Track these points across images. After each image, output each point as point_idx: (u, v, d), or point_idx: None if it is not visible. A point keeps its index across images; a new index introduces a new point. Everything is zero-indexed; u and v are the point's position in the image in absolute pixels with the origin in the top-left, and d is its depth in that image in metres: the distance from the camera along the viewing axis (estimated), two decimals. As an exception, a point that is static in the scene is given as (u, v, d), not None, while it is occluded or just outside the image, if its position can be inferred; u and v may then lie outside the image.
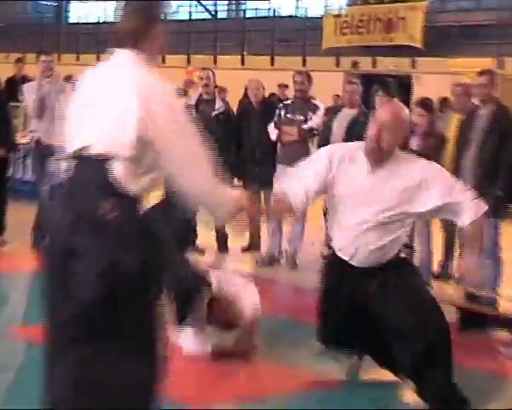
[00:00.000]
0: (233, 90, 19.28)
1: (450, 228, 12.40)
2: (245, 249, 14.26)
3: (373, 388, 8.06)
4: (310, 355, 8.89)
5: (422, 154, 11.58)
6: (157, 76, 5.49)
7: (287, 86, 18.88)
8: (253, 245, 14.22)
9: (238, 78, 22.87)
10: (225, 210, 5.87)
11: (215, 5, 42.94)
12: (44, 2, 51.01)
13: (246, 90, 16.30)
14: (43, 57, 14.31)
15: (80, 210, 4.94)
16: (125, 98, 5.22)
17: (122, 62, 5.56)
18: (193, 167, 5.35)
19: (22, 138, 16.06)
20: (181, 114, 5.38)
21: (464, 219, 7.42)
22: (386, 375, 7.96)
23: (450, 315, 9.85)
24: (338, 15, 31.82)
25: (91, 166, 5.08)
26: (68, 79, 16.07)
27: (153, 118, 5.11)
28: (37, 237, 13.30)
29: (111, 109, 5.24)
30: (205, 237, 14.27)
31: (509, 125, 10.98)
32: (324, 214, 13.26)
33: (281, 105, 13.92)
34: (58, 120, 13.79)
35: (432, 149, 11.63)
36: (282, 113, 13.46)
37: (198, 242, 14.14)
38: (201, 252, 13.98)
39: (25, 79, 16.29)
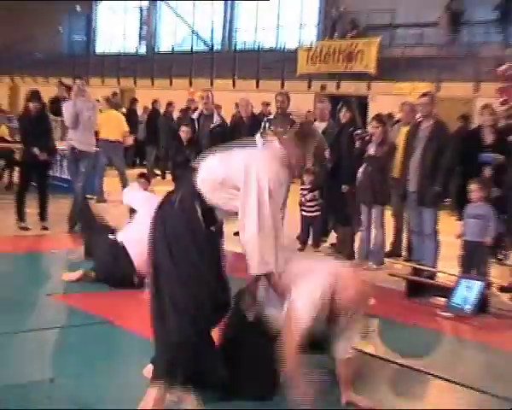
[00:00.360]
0: (226, 107, 19.26)
1: (399, 215, 12.50)
2: (237, 233, 14.22)
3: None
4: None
5: (378, 157, 11.72)
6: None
7: (269, 104, 18.89)
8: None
9: (230, 97, 22.86)
10: (253, 266, 5.88)
11: (212, 39, 42.82)
12: (76, 37, 50.75)
13: (237, 106, 16.31)
14: (77, 81, 14.38)
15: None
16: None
17: None
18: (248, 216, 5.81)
19: (60, 145, 16.06)
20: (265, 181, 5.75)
21: None
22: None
23: (400, 285, 10.01)
24: (309, 48, 31.80)
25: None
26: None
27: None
28: (72, 224, 13.38)
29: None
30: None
31: (445, 135, 11.24)
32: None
33: (265, 119, 13.96)
34: (89, 131, 13.92)
35: (385, 154, 11.75)
36: (267, 125, 13.47)
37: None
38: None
39: (64, 98, 16.26)
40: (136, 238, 9.22)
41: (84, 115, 13.86)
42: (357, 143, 12.28)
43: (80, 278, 9.86)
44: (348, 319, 6.07)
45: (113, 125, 18.38)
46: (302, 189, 13.33)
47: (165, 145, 23.08)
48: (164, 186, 16.47)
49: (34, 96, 13.99)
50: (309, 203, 13.28)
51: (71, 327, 8.31)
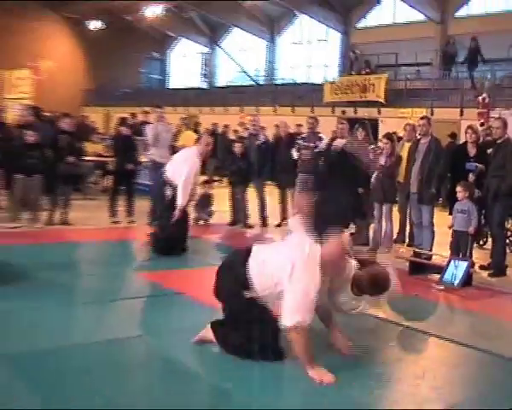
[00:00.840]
0: (269, 129, 19.23)
1: (404, 211, 12.48)
2: (278, 225, 14.27)
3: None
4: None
5: (387, 167, 11.71)
6: None
7: (301, 125, 18.85)
8: (283, 222, 14.22)
9: (272, 120, 22.84)
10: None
11: (257, 76, 42.90)
12: (154, 76, 51.01)
13: (277, 127, 16.30)
14: (157, 109, 14.46)
15: None
16: None
17: None
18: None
19: (143, 158, 16.11)
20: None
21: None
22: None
23: (404, 265, 9.97)
24: (333, 82, 31.74)
25: None
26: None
27: None
28: (151, 220, 13.45)
29: None
30: (253, 216, 14.34)
31: (439, 149, 11.33)
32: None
33: (299, 137, 13.95)
34: (165, 148, 13.97)
35: (393, 164, 11.75)
36: (301, 142, 13.49)
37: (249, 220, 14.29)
38: (251, 227, 14.08)
39: (147, 122, 16.30)
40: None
41: (163, 136, 13.97)
42: (371, 155, 12.27)
43: None
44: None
45: (192, 141, 18.65)
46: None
47: (222, 158, 23.15)
48: (221, 189, 16.60)
49: (123, 121, 14.16)
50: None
51: (152, 297, 8.38)
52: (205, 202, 14.63)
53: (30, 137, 12.56)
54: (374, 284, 5.93)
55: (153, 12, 38.73)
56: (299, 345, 5.48)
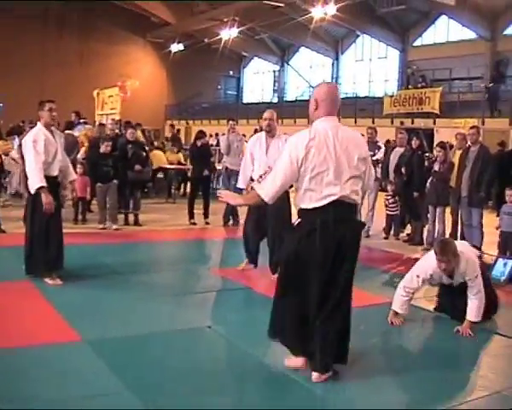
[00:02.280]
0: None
1: (455, 213, 12.25)
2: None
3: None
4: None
5: (441, 172, 11.56)
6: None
7: (363, 135, 18.70)
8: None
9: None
10: None
11: (323, 91, 42.74)
12: (229, 92, 51.33)
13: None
14: (230, 122, 14.47)
15: None
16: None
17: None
18: None
19: (218, 165, 16.19)
20: None
21: None
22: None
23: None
24: (392, 96, 31.43)
25: None
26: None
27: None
28: (226, 220, 13.47)
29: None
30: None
31: (487, 156, 11.14)
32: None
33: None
34: (237, 156, 13.98)
35: (446, 170, 11.56)
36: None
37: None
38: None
39: (217, 134, 16.42)
40: None
41: (234, 145, 13.97)
42: (427, 163, 12.17)
43: None
44: None
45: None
46: (386, 195, 13.19)
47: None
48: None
49: (201, 134, 14.25)
50: (391, 205, 13.11)
51: (223, 291, 8.40)
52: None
53: (104, 147, 12.82)
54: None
55: (228, 34, 38.91)
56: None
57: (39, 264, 8.03)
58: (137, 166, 13.33)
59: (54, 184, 8.01)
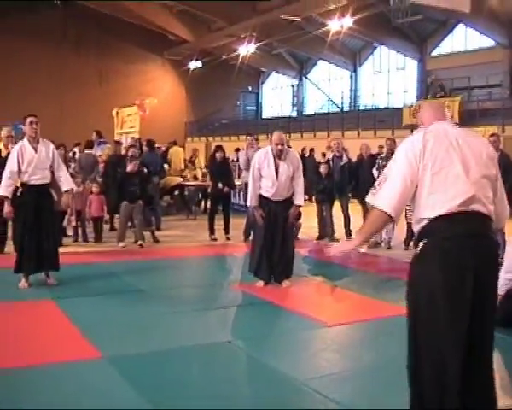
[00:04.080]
0: (354, 151, 19.06)
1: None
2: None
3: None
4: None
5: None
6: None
7: (383, 147, 18.64)
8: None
9: (356, 143, 22.68)
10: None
11: (342, 104, 42.80)
12: (248, 107, 51.45)
13: (360, 150, 16.14)
14: (249, 137, 14.54)
15: None
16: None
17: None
18: None
19: (237, 181, 16.23)
20: None
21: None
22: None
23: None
24: (411, 106, 31.29)
25: None
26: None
27: None
28: (246, 235, 13.47)
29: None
30: (339, 231, 14.20)
31: (508, 163, 10.97)
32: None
33: (379, 157, 13.78)
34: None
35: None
36: (380, 162, 13.32)
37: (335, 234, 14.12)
38: (337, 240, 13.92)
39: (238, 149, 16.46)
40: None
41: (253, 160, 14.02)
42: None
43: None
44: None
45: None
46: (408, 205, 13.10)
47: (310, 178, 23.12)
48: (309, 207, 16.54)
49: (219, 148, 14.27)
50: (410, 213, 13.04)
51: (244, 305, 8.39)
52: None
53: (132, 166, 12.95)
54: None
55: (246, 50, 39.08)
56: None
57: (16, 263, 8.77)
58: None
59: (35, 191, 8.69)
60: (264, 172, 9.08)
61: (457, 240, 3.69)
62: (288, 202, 9.34)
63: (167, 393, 5.09)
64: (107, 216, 14.66)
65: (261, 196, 9.24)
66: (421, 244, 3.82)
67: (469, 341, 3.69)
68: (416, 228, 3.94)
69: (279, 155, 9.04)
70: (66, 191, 9.04)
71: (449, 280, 3.67)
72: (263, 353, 6.14)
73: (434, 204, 3.77)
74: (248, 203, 9.59)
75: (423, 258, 3.81)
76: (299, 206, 9.49)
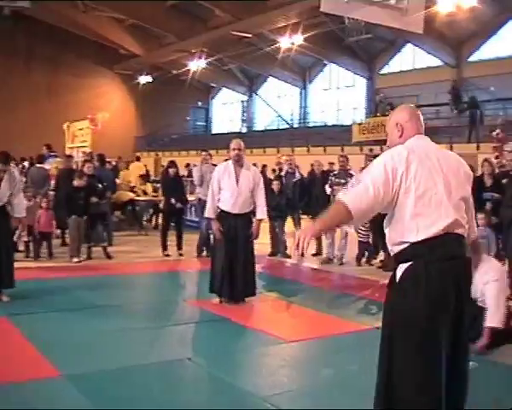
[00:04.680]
0: (303, 167, 19.17)
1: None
2: (314, 254, 14.20)
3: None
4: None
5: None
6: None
7: (333, 164, 18.81)
8: (318, 252, 14.22)
9: (306, 160, 22.84)
10: None
11: (292, 120, 43.05)
12: (198, 123, 51.49)
13: (312, 166, 16.22)
14: (203, 153, 14.51)
15: None
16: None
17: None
18: None
19: (190, 196, 16.20)
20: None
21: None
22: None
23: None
24: (360, 123, 31.66)
25: None
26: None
27: None
28: (199, 251, 13.45)
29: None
30: (290, 247, 14.24)
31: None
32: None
33: (332, 174, 13.84)
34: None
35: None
36: (333, 178, 13.41)
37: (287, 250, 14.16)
38: (289, 256, 14.01)
39: (188, 164, 16.45)
40: None
41: (208, 176, 13.93)
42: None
43: None
44: None
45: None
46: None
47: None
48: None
49: (172, 164, 14.23)
50: (363, 232, 13.15)
51: (201, 322, 8.34)
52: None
53: (79, 181, 12.87)
54: None
55: (197, 66, 39.12)
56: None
57: None
58: (93, 199, 13.18)
59: None
60: (225, 184, 8.97)
61: (439, 264, 3.73)
62: (248, 217, 9.23)
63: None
64: (58, 231, 14.48)
65: (221, 211, 9.08)
66: (402, 267, 3.82)
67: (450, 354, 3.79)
68: (396, 250, 3.90)
69: (237, 160, 9.01)
70: (15, 218, 9.01)
71: (432, 303, 3.71)
72: (223, 370, 6.13)
73: (418, 228, 3.76)
74: (206, 214, 9.42)
75: (405, 282, 3.80)
76: (261, 220, 9.35)
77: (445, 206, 3.79)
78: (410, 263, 3.78)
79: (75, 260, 12.53)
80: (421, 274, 3.72)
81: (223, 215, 9.06)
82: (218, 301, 9.09)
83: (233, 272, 8.97)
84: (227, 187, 8.97)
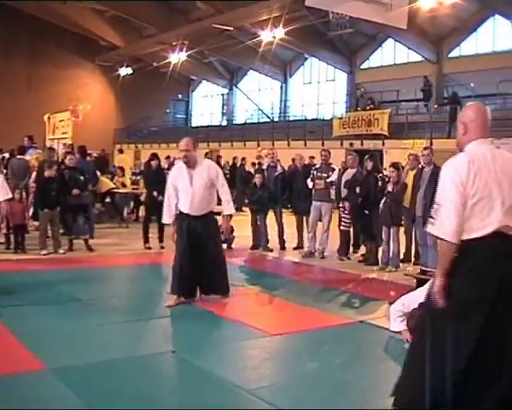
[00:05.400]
0: (284, 161, 19.17)
1: (409, 233, 12.46)
2: (295, 248, 14.24)
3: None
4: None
5: (394, 193, 11.68)
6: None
7: (314, 157, 18.86)
8: (299, 246, 14.25)
9: (286, 154, 22.88)
10: None
11: (272, 114, 43.06)
12: (178, 115, 51.45)
13: (293, 160, 16.24)
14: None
15: None
16: None
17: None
18: None
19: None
20: None
21: None
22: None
23: (412, 282, 9.77)
24: (341, 118, 31.75)
25: None
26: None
27: None
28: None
29: None
30: (272, 241, 14.28)
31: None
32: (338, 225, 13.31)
33: (313, 168, 13.85)
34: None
35: (399, 190, 11.70)
36: (315, 172, 13.42)
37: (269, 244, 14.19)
38: (271, 250, 14.04)
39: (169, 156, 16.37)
40: None
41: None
42: (380, 183, 12.27)
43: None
44: None
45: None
46: (343, 211, 13.24)
47: (241, 188, 23.18)
48: (240, 216, 16.61)
49: (154, 156, 14.19)
50: (346, 221, 13.19)
51: (184, 315, 8.26)
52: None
53: (49, 171, 12.81)
54: None
55: (177, 58, 38.99)
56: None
57: None
58: (75, 191, 13.14)
59: None
60: (180, 185, 8.57)
61: (487, 259, 4.26)
62: (210, 217, 8.80)
63: (114, 404, 5.06)
64: (36, 223, 14.34)
65: (181, 213, 8.62)
66: (456, 258, 4.32)
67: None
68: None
69: (187, 163, 8.48)
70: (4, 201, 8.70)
71: (480, 291, 4.24)
72: (208, 363, 6.12)
73: (471, 229, 4.29)
74: (162, 220, 9.15)
75: (459, 271, 4.31)
76: (230, 216, 9.05)
77: (497, 212, 4.27)
78: (462, 255, 4.30)
79: (43, 252, 12.50)
80: (473, 266, 4.29)
81: (183, 217, 8.64)
82: (174, 302, 8.62)
83: (199, 273, 8.68)
84: (182, 188, 8.55)
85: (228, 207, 8.85)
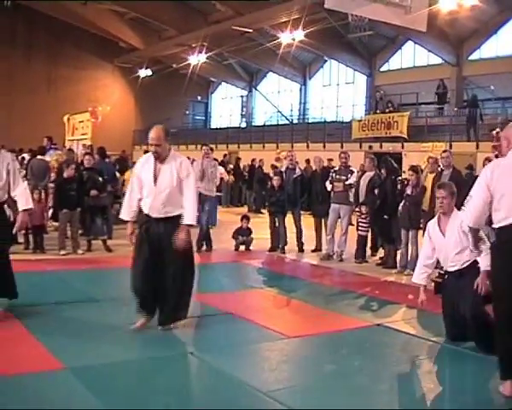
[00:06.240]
0: (303, 163, 19.19)
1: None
2: (313, 250, 14.25)
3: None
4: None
5: (413, 196, 11.65)
6: None
7: (332, 160, 18.83)
8: (318, 248, 14.25)
9: (305, 156, 22.90)
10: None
11: (291, 116, 43.04)
12: (197, 117, 51.53)
13: (307, 161, 16.25)
14: (204, 147, 14.48)
15: None
16: None
17: None
18: None
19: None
20: None
21: None
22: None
23: (430, 285, 9.69)
24: (360, 120, 31.70)
25: None
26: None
27: None
28: (199, 246, 13.45)
29: None
30: (290, 243, 14.29)
31: (460, 179, 11.14)
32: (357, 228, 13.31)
33: (332, 170, 13.86)
34: (212, 182, 14.05)
35: (418, 193, 11.67)
36: (333, 175, 13.43)
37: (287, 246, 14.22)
38: (284, 253, 14.07)
39: (190, 158, 16.41)
40: None
41: (209, 171, 13.99)
42: (399, 186, 12.27)
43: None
44: None
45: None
46: (359, 215, 13.34)
47: (259, 190, 23.20)
48: (258, 218, 16.59)
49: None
50: (363, 225, 13.22)
51: (203, 316, 8.29)
52: (245, 233, 14.66)
53: (68, 171, 12.94)
54: None
55: (197, 60, 39.05)
56: None
57: None
58: (93, 192, 13.25)
59: None
60: (144, 180, 7.37)
61: (505, 245, 5.46)
62: (176, 221, 7.24)
63: (132, 404, 5.10)
64: (55, 224, 14.41)
65: (141, 213, 7.46)
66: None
67: None
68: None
69: (157, 158, 7.31)
70: (24, 210, 7.69)
71: (507, 267, 5.41)
72: (226, 364, 6.14)
73: (496, 219, 5.54)
74: (120, 215, 7.73)
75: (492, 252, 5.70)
76: (189, 226, 7.28)
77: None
78: (494, 240, 5.71)
79: (62, 252, 12.63)
80: (500, 248, 5.53)
81: (144, 218, 7.42)
82: (140, 324, 7.38)
83: (159, 289, 7.35)
84: (145, 184, 7.35)
85: (188, 215, 7.22)
